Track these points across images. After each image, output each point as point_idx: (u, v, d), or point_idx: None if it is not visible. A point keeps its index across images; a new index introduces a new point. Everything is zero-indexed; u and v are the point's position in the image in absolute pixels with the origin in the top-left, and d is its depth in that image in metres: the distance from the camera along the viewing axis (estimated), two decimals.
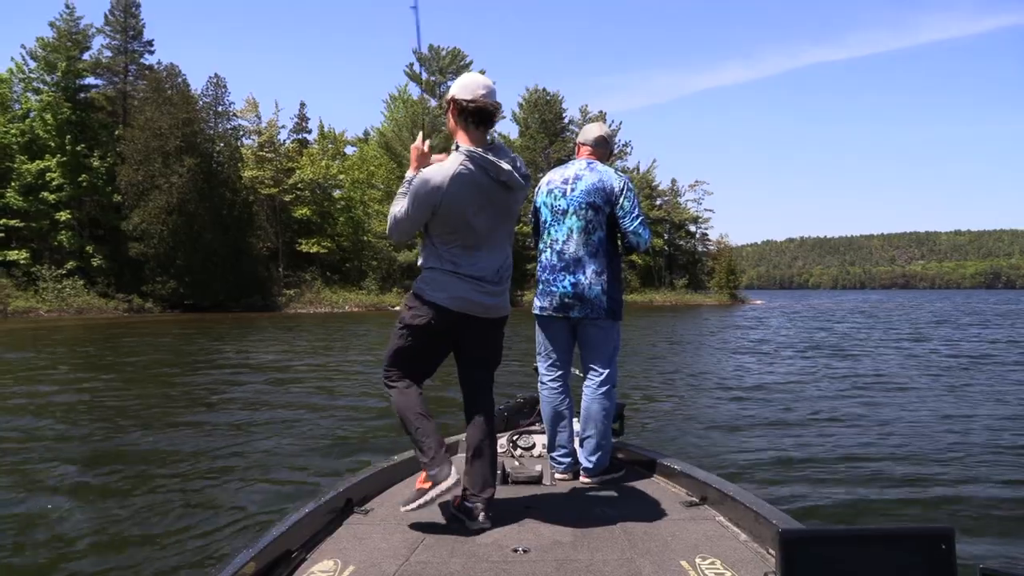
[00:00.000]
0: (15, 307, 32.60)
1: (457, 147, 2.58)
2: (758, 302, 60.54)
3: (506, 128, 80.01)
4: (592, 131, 3.49)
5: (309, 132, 53.80)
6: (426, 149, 2.73)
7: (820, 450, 5.94)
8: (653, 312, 35.58)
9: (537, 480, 3.18)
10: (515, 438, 3.72)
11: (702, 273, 63.39)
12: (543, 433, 3.70)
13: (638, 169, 62.00)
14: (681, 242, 62.80)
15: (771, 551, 2.18)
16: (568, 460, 3.31)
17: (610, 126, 65.77)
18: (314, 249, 44.88)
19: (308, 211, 45.32)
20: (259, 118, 47.79)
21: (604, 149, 3.47)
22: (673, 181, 68.16)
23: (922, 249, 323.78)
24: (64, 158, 36.67)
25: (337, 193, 48.03)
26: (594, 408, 3.25)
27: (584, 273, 3.22)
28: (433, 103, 54.53)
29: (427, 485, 2.50)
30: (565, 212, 3.28)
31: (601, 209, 3.21)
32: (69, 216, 36.60)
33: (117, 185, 37.56)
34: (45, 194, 36.10)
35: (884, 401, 8.54)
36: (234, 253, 39.52)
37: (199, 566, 3.46)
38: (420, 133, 2.77)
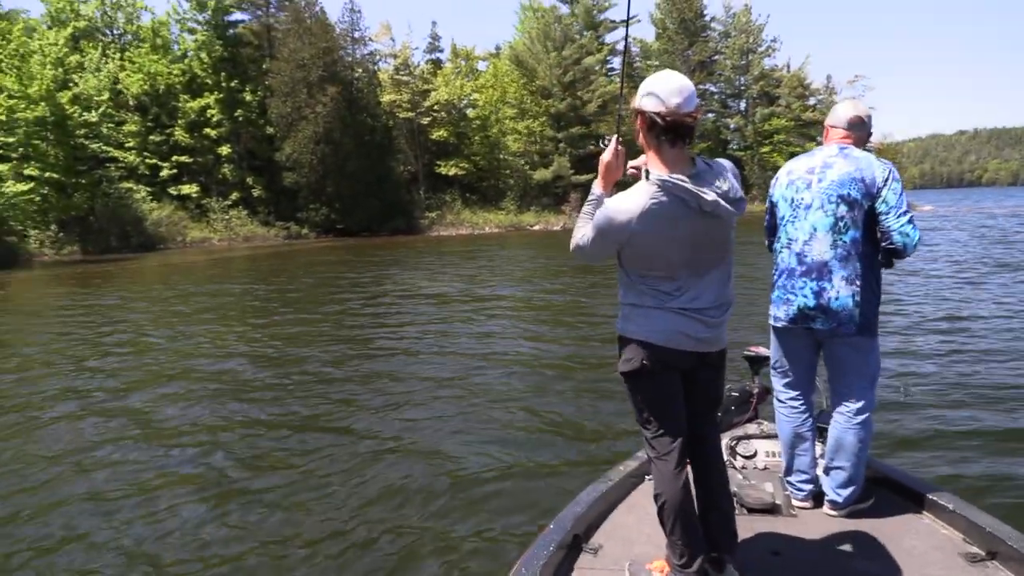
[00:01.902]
0: (192, 237, 35.69)
1: (647, 174, 2.15)
2: (926, 208, 54.79)
3: (642, 31, 75.60)
4: (844, 111, 2.91)
5: (442, 51, 53.51)
6: (618, 161, 2.31)
7: None
8: None
9: (773, 509, 2.84)
10: (734, 444, 3.36)
11: None
12: (765, 438, 3.44)
13: (788, 66, 56.85)
14: None
15: None
16: (809, 487, 2.91)
17: (756, 21, 60.35)
18: (452, 171, 45.25)
19: (445, 132, 45.49)
20: (393, 41, 47.91)
21: (860, 132, 2.88)
22: (828, 78, 62.29)
23: None
24: (221, 95, 38.79)
25: (471, 112, 47.79)
26: (848, 439, 2.79)
27: (831, 280, 2.72)
28: (564, 10, 52.21)
29: None
30: (809, 207, 2.77)
31: (857, 204, 2.70)
32: (230, 150, 38.95)
33: (268, 117, 39.35)
34: (207, 130, 38.53)
35: None
36: (378, 178, 40.62)
37: None
38: (613, 139, 2.31)
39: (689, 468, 2.40)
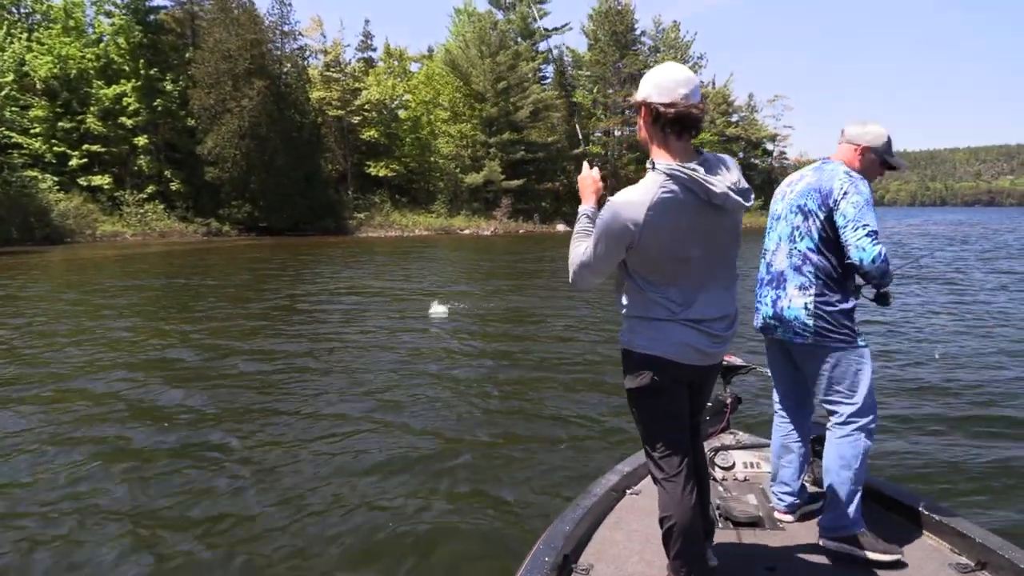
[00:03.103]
0: (103, 231, 33.64)
1: (653, 165, 2.08)
2: None
3: (575, 41, 76.32)
4: (845, 127, 2.85)
5: (374, 50, 52.61)
6: (598, 177, 2.39)
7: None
8: None
9: (759, 521, 2.79)
10: (712, 455, 3.31)
11: None
12: (742, 448, 3.43)
13: (713, 83, 58.77)
14: (757, 161, 59.89)
15: None
16: (790, 499, 2.89)
17: (684, 37, 61.43)
18: (382, 172, 44.51)
19: (375, 133, 44.71)
20: (324, 37, 46.88)
21: (864, 150, 2.77)
22: (750, 96, 64.82)
23: (1012, 163, 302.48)
24: (138, 82, 36.75)
25: (403, 113, 47.19)
26: (830, 456, 2.69)
27: (785, 289, 2.73)
28: (500, 16, 52.33)
29: None
30: (779, 218, 2.81)
31: (812, 214, 2.67)
32: (147, 141, 37.03)
33: (190, 109, 37.62)
34: (123, 119, 36.43)
35: None
36: (305, 176, 39.47)
37: None
38: (585, 164, 2.43)
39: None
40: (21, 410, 5.90)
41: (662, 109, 2.03)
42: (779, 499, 2.91)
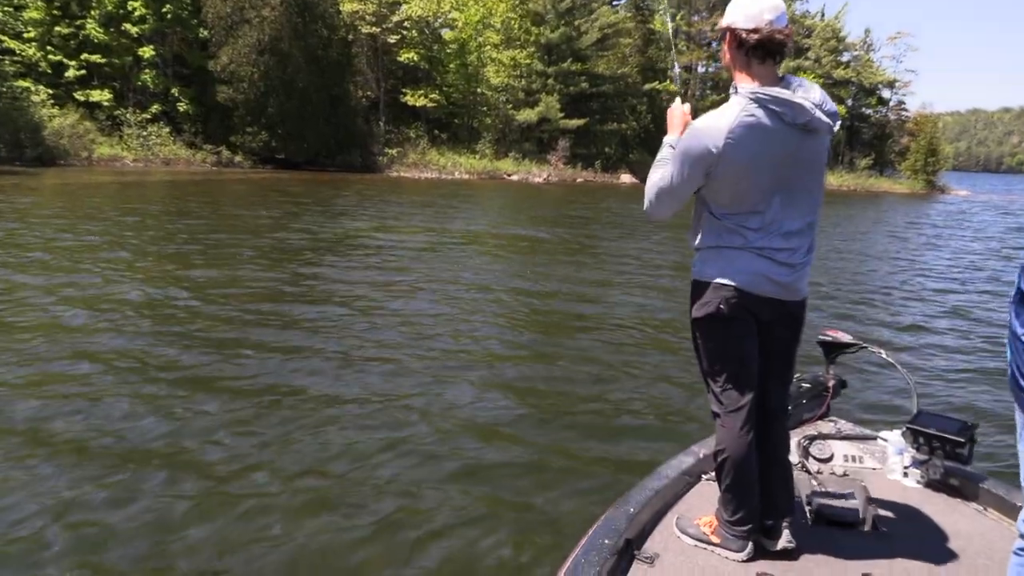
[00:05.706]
0: (100, 154, 32.76)
1: (735, 89, 2.26)
2: (962, 192, 55.19)
3: None
4: None
5: None
6: (688, 111, 2.52)
7: None
8: (826, 198, 33.14)
9: (857, 522, 2.61)
10: (807, 444, 3.12)
11: (892, 152, 58.55)
12: (843, 439, 3.20)
13: (822, 14, 56.40)
14: (869, 111, 57.29)
15: None
16: None
17: None
18: (420, 102, 42.77)
19: (415, 55, 42.88)
20: None
21: None
22: (867, 32, 62.02)
23: None
24: None
25: (448, 34, 46.44)
26: None
27: None
28: None
29: (715, 539, 2.42)
30: None
31: None
32: (153, 53, 35.97)
33: (203, 18, 36.62)
34: (127, 26, 34.93)
35: None
36: (330, 102, 37.76)
37: None
38: (677, 99, 2.58)
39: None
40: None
41: (745, 35, 2.24)
42: None
